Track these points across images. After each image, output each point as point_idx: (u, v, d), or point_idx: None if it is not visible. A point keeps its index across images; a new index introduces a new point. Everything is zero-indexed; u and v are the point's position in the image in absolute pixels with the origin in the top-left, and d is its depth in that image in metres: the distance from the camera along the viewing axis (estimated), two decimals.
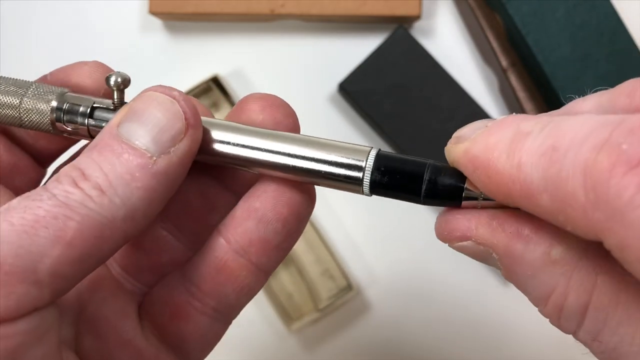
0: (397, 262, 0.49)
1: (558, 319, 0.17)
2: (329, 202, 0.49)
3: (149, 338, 0.21)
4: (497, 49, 0.47)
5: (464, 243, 0.18)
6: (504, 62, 0.47)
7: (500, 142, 0.16)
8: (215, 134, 0.20)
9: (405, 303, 0.49)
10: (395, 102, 0.46)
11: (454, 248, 0.18)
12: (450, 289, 0.49)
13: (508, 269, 0.17)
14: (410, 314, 0.48)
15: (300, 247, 0.48)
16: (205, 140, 0.20)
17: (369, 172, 0.18)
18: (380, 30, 0.49)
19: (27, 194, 0.17)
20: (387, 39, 0.47)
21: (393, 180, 0.18)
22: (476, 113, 0.46)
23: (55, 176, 0.18)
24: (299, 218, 0.20)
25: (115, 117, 0.19)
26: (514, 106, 0.48)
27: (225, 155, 0.20)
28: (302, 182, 0.20)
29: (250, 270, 0.21)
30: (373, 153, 0.19)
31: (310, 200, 0.21)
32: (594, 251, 0.16)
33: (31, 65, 0.50)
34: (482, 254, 0.18)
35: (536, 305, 0.17)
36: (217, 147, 0.20)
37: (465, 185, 0.18)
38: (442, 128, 0.46)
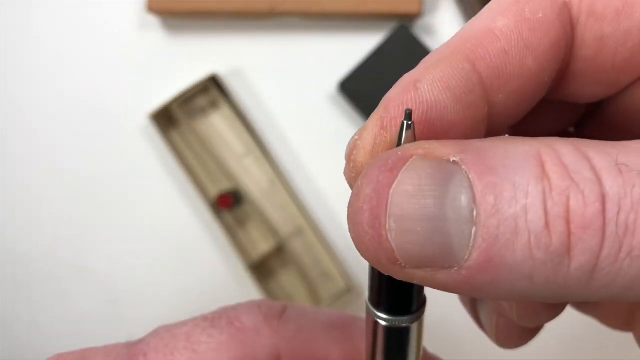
0: None
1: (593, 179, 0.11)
2: (329, 202, 0.49)
3: None
4: None
5: (410, 164, 0.12)
6: None
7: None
8: None
9: None
10: None
11: (396, 191, 0.12)
12: None
13: (482, 168, 0.12)
14: None
15: (299, 248, 0.48)
16: None
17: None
18: (380, 29, 0.48)
19: None
20: (388, 38, 0.46)
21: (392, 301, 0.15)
22: None
23: None
24: None
25: None
26: None
27: None
28: None
29: None
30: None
31: None
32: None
33: (30, 64, 0.50)
34: (439, 175, 0.12)
35: (539, 198, 0.11)
36: None
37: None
38: None
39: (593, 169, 0.11)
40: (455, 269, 0.12)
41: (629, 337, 0.22)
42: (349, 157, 0.15)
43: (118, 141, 0.49)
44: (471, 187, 0.11)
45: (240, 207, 0.48)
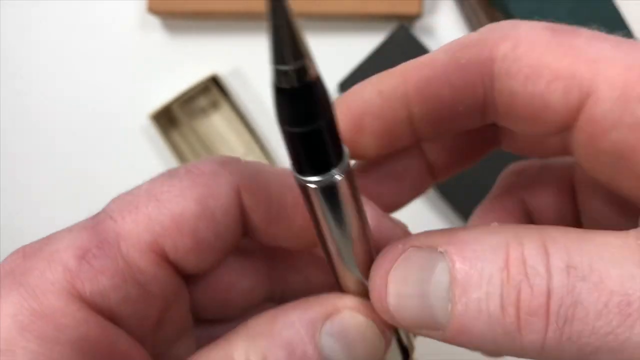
0: None
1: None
2: None
3: None
4: None
5: (405, 254, 0.17)
6: None
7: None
8: None
9: None
10: None
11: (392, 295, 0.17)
12: None
13: (460, 258, 0.15)
14: None
15: None
16: None
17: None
18: (380, 29, 0.48)
19: None
20: (388, 38, 0.46)
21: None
22: None
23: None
24: None
25: (318, 315, 0.18)
26: None
27: None
28: None
29: None
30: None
31: None
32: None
33: (30, 64, 0.50)
34: (427, 264, 0.16)
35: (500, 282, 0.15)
36: None
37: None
38: None
39: (547, 266, 0.14)
40: (441, 331, 0.16)
41: None
42: None
43: (118, 141, 0.49)
44: (450, 273, 0.15)
45: None
